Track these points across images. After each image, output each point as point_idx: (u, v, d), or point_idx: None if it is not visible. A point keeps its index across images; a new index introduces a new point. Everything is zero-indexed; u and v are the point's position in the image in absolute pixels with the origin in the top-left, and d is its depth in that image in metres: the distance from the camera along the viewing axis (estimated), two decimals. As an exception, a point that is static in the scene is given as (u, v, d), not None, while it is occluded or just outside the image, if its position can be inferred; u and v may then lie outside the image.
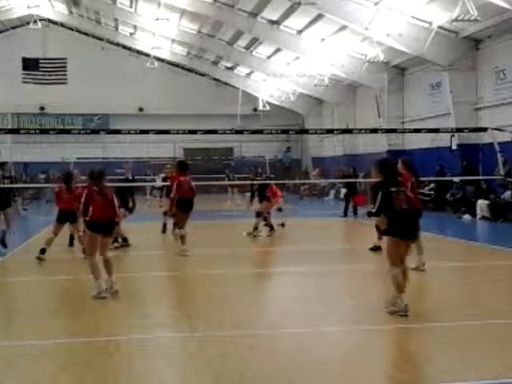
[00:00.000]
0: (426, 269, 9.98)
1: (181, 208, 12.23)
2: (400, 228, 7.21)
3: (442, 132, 19.17)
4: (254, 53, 31.94)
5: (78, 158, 31.47)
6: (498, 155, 15.71)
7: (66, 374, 5.46)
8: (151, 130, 15.03)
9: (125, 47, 38.55)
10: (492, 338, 6.45)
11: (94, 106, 36.83)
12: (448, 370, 5.47)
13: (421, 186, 7.63)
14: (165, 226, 15.95)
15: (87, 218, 8.47)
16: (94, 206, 8.46)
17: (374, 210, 7.41)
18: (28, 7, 33.90)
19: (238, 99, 38.02)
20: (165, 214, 16.01)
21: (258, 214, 15.39)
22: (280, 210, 17.22)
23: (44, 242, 11.81)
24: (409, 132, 22.18)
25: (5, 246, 12.94)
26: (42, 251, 11.58)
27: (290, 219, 17.75)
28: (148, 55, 36.51)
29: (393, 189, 7.24)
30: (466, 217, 19.71)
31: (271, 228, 15.62)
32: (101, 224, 8.46)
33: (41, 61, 32.68)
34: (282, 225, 17.03)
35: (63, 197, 11.97)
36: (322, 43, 26.38)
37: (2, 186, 13.15)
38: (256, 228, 15.35)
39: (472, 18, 16.81)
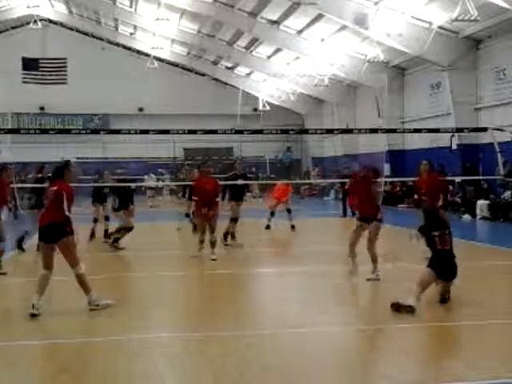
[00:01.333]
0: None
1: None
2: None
3: (442, 132, 19.16)
4: (254, 53, 31.94)
5: (78, 158, 31.52)
6: (498, 155, 15.69)
7: (66, 374, 5.45)
8: (151, 130, 15.03)
9: (125, 47, 38.54)
10: (492, 338, 6.45)
11: (94, 106, 36.80)
12: (448, 370, 5.48)
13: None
14: (195, 225, 15.43)
15: None
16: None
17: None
18: (28, 7, 33.90)
19: (237, 99, 38.03)
20: (187, 215, 15.67)
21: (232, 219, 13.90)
22: (289, 211, 16.63)
23: None
24: (409, 132, 22.18)
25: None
26: None
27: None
28: (148, 55, 36.49)
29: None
30: (466, 217, 19.71)
31: (229, 236, 13.96)
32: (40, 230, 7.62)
33: (41, 61, 32.62)
34: (292, 227, 16.41)
35: None
36: (322, 43, 26.38)
37: None
38: (228, 234, 13.91)
39: (472, 18, 16.82)
